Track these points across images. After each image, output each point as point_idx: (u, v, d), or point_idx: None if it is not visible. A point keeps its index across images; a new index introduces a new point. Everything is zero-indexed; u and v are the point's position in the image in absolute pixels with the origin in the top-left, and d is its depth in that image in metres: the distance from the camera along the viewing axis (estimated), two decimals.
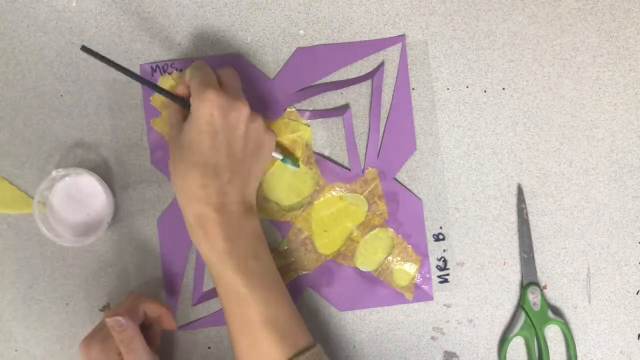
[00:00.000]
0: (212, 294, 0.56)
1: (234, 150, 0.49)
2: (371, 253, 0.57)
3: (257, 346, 0.48)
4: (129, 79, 0.56)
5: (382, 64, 0.58)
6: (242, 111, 0.49)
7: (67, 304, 0.56)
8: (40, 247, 0.55)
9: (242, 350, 0.49)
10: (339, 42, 0.58)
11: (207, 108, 0.48)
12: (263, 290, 0.48)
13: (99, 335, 0.50)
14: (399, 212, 0.57)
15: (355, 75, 0.58)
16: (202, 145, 0.48)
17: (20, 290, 0.55)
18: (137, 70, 0.56)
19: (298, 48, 0.57)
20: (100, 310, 0.54)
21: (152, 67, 0.56)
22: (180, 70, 0.56)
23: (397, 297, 0.57)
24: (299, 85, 0.57)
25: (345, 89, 0.58)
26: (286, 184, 0.57)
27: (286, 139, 0.57)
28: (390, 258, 0.57)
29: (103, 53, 0.56)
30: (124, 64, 0.56)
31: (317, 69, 0.58)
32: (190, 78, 0.50)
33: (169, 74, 0.56)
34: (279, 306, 0.49)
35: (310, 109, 0.58)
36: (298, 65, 0.57)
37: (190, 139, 0.48)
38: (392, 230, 0.57)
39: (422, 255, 0.57)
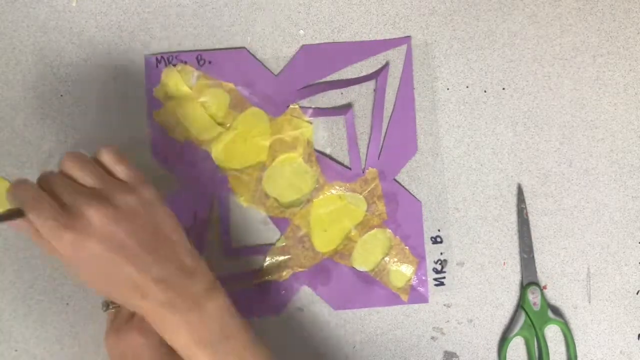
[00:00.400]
0: None
1: (140, 245, 0.42)
2: (369, 253, 0.57)
3: None
4: (129, 78, 0.56)
5: (386, 65, 0.58)
6: (98, 219, 0.41)
7: (67, 304, 0.56)
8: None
9: None
10: (339, 41, 0.58)
11: (72, 249, 0.41)
12: None
13: (114, 327, 0.50)
14: (398, 213, 0.57)
15: (358, 75, 0.58)
16: (107, 275, 0.42)
17: (20, 290, 0.55)
18: (142, 61, 0.56)
19: (303, 45, 0.57)
20: (104, 310, 0.53)
21: (156, 59, 0.56)
22: (186, 63, 0.56)
23: (392, 298, 0.57)
24: (303, 82, 0.57)
25: (346, 88, 0.58)
26: (286, 180, 0.57)
27: (288, 135, 0.57)
28: (387, 259, 0.57)
29: (103, 52, 0.56)
30: (125, 64, 0.56)
31: (322, 67, 0.58)
32: (26, 211, 0.41)
33: (174, 65, 0.56)
34: None
35: (313, 106, 0.58)
36: (303, 63, 0.57)
37: (92, 279, 0.43)
38: (390, 231, 0.57)
39: (419, 257, 0.57)
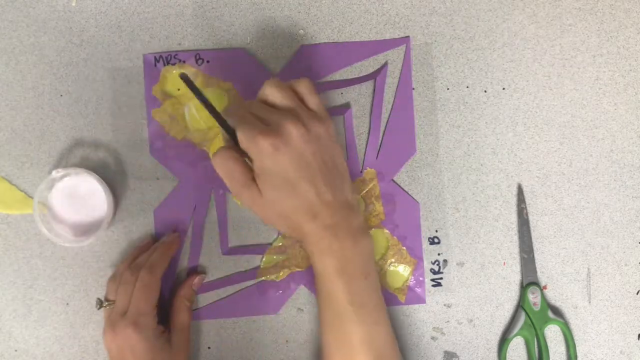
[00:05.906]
0: (207, 287, 0.56)
1: (320, 169, 0.47)
2: None
3: None
4: (128, 78, 0.56)
5: (385, 65, 0.58)
6: (294, 134, 0.46)
7: (67, 304, 0.56)
8: (40, 247, 0.56)
9: None
10: (339, 42, 0.58)
11: (268, 157, 0.45)
12: (367, 310, 0.48)
13: (110, 322, 0.51)
14: (396, 213, 0.57)
15: (357, 75, 0.58)
16: (291, 189, 0.46)
17: (20, 290, 0.55)
18: (141, 61, 0.56)
19: (302, 45, 0.57)
20: (98, 308, 0.54)
21: (155, 57, 0.56)
22: (184, 62, 0.56)
23: (390, 298, 0.57)
24: None
25: (345, 88, 0.58)
26: None
27: None
28: (384, 259, 0.57)
29: (103, 52, 0.56)
30: (125, 64, 0.56)
31: (321, 67, 0.58)
32: (235, 127, 0.47)
33: (172, 64, 0.56)
34: (379, 327, 0.49)
35: None
36: (302, 63, 0.57)
37: (275, 192, 0.47)
38: (387, 231, 0.57)
39: (416, 257, 0.57)
